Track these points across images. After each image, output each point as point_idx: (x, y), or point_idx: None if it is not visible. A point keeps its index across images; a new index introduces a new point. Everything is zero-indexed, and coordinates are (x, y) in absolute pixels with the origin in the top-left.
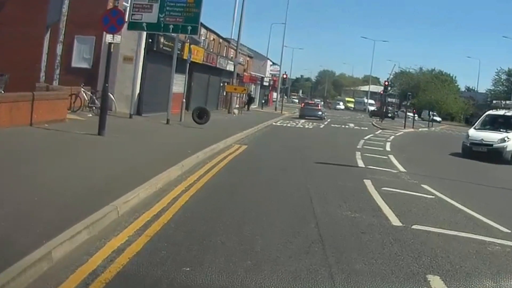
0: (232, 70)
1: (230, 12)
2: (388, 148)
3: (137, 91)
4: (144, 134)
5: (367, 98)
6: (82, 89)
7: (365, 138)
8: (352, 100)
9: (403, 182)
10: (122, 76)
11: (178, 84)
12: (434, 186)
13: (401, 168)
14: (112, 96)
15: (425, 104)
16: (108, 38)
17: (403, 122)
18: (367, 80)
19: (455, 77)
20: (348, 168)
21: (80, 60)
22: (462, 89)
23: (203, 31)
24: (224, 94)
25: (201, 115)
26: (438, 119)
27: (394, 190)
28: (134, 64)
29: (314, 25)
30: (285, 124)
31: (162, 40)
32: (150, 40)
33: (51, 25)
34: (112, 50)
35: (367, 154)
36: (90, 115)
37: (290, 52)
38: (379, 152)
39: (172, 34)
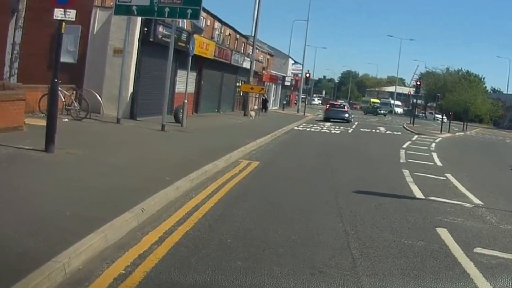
0: (249, 67)
1: (251, 10)
2: (438, 161)
3: (130, 90)
4: (118, 148)
5: (393, 99)
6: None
7: (404, 147)
8: (378, 101)
9: (496, 231)
10: (112, 73)
11: (183, 82)
12: None
13: (474, 199)
14: (99, 97)
15: (453, 105)
16: (58, 13)
17: (435, 124)
18: (391, 81)
19: (484, 78)
20: (403, 202)
21: (63, 53)
22: (488, 90)
23: (217, 24)
24: (241, 94)
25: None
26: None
27: (497, 255)
28: (123, 57)
29: (338, 23)
30: (308, 129)
31: (160, 29)
32: (146, 29)
33: (16, 8)
34: (63, 30)
35: (418, 174)
36: (66, 119)
37: (313, 52)
38: (431, 169)
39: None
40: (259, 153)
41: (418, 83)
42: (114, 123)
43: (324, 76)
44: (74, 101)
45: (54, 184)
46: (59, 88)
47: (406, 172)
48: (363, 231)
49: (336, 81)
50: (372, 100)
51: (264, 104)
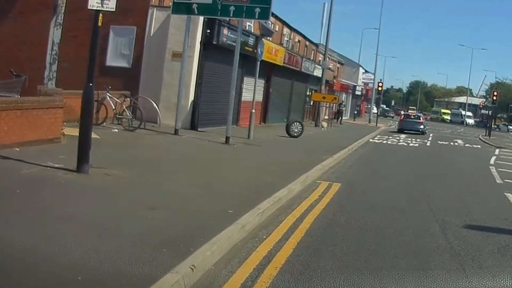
0: (320, 75)
1: (318, 18)
2: None
3: (190, 98)
4: (172, 166)
5: (464, 110)
6: (108, 94)
7: (492, 163)
8: (448, 112)
9: None
10: (170, 79)
11: (250, 89)
12: None
13: None
14: (155, 105)
15: None
16: (93, 2)
17: (510, 136)
18: (460, 91)
19: None
20: None
21: (117, 57)
22: None
23: (286, 30)
24: (311, 103)
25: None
26: None
27: None
28: (182, 62)
29: (408, 32)
30: (384, 141)
31: (225, 31)
32: (208, 31)
33: (56, 3)
34: (100, 23)
35: None
36: (116, 130)
37: (382, 61)
38: None
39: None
40: (339, 172)
41: (495, 93)
42: (171, 135)
43: (392, 86)
44: (126, 109)
45: (73, 224)
46: (109, 95)
47: (510, 196)
48: None
49: (404, 91)
50: (442, 110)
51: (339, 113)
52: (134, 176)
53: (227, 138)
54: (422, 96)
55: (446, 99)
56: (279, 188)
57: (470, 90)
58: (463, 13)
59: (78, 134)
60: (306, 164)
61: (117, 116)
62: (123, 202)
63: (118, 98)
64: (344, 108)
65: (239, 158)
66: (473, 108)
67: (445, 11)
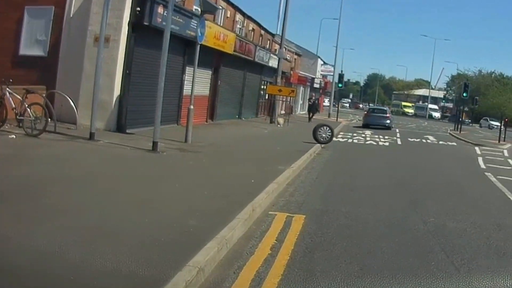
0: (276, 66)
1: (274, 7)
2: None
3: (116, 92)
4: (50, 199)
5: (423, 102)
6: (8, 89)
7: (482, 166)
8: (409, 104)
9: None
10: (92, 69)
11: (196, 82)
12: None
13: None
14: (72, 102)
15: (487, 110)
16: None
17: (480, 131)
18: (418, 84)
19: None
20: None
21: (31, 44)
22: None
23: (238, 17)
24: (266, 97)
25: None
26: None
27: None
28: (99, 45)
29: (366, 23)
30: (349, 139)
31: (160, 9)
32: (139, 9)
33: None
34: None
35: None
36: (13, 135)
37: (340, 53)
38: None
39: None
40: (301, 191)
41: (467, 85)
42: (85, 140)
43: (349, 79)
44: (27, 108)
45: None
46: (9, 91)
47: None
48: None
49: (362, 84)
50: (403, 103)
51: (312, 109)
52: None
53: (154, 144)
54: (380, 89)
55: (405, 92)
56: (207, 240)
57: (429, 82)
58: (425, 4)
59: None
60: (255, 182)
61: (17, 117)
62: None
63: (22, 95)
64: (317, 102)
65: (161, 176)
66: (433, 101)
67: (406, 2)
